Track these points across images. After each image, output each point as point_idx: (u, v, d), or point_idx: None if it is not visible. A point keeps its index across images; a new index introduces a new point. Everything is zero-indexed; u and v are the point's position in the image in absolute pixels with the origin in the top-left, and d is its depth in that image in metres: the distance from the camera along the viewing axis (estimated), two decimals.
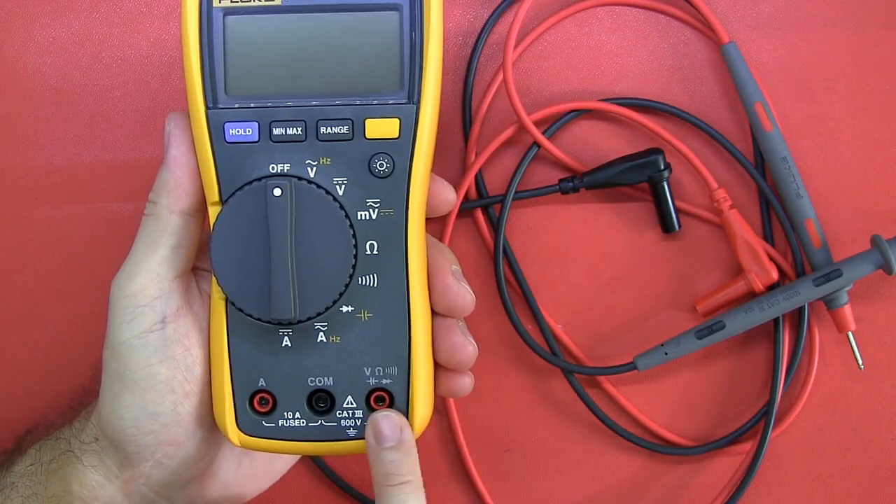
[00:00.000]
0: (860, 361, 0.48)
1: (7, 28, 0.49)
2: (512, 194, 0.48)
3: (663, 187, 0.47)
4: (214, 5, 0.37)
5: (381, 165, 0.37)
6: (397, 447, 0.37)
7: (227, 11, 0.37)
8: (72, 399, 0.44)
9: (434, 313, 0.39)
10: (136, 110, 0.49)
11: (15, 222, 0.49)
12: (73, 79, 0.49)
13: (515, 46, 0.48)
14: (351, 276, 0.37)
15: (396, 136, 0.37)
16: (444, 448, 0.49)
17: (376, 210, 0.37)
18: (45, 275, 0.49)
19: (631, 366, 0.47)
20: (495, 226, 0.48)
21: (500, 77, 0.48)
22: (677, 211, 0.48)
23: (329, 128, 0.37)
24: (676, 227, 0.48)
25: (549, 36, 0.49)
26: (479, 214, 0.49)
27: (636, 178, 0.47)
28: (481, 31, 0.49)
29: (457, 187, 0.48)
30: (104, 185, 0.49)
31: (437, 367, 0.40)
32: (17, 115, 0.49)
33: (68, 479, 0.40)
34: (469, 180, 0.48)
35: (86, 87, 0.49)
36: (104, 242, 0.49)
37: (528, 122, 0.47)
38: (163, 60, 0.49)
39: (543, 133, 0.48)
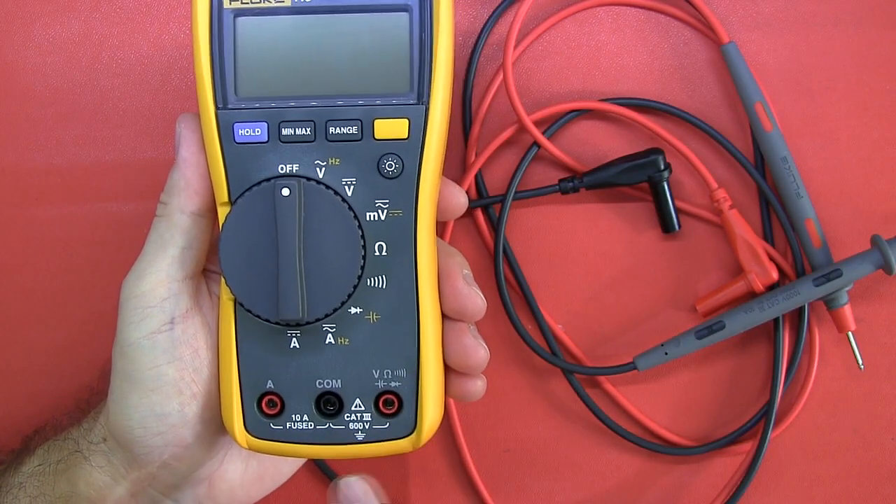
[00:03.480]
0: (860, 361, 0.48)
1: (7, 28, 0.49)
2: (512, 194, 0.48)
3: (663, 187, 0.47)
4: (225, 6, 0.37)
5: (391, 166, 0.37)
6: None
7: (238, 12, 0.37)
8: (79, 399, 0.44)
9: (445, 317, 0.39)
10: (136, 110, 0.49)
11: (15, 222, 0.49)
12: (73, 79, 0.49)
13: (515, 46, 0.48)
14: (359, 278, 0.37)
15: (405, 136, 0.37)
16: (444, 448, 0.49)
17: (385, 211, 0.37)
18: (45, 275, 0.49)
19: (631, 366, 0.47)
20: (495, 226, 0.48)
21: (500, 77, 0.48)
22: (677, 211, 0.48)
23: (338, 128, 0.37)
24: (676, 227, 0.48)
25: (549, 36, 0.49)
26: (479, 214, 0.49)
27: (636, 178, 0.47)
28: (481, 31, 0.49)
29: None
30: (104, 185, 0.49)
31: (449, 370, 0.39)
32: (17, 115, 0.49)
33: (76, 480, 0.40)
34: (469, 180, 0.48)
35: (86, 87, 0.49)
36: (104, 242, 0.49)
37: (528, 122, 0.47)
38: (163, 60, 0.49)
39: (543, 133, 0.48)
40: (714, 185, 0.47)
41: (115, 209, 0.49)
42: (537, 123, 0.48)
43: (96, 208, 0.49)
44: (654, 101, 0.48)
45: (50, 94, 0.49)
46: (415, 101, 0.37)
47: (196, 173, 0.38)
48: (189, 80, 0.49)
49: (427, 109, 0.37)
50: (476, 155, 0.48)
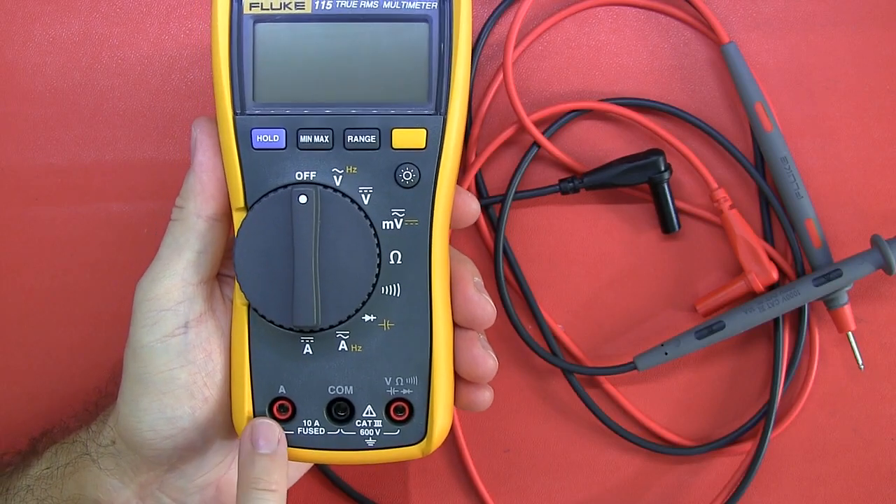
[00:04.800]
0: (860, 361, 0.48)
1: (7, 28, 0.49)
2: (512, 194, 0.48)
3: (664, 188, 0.47)
4: (245, 12, 0.37)
5: (407, 175, 0.37)
6: (272, 455, 0.37)
7: (257, 19, 0.37)
8: (86, 401, 0.44)
9: (455, 325, 0.39)
10: (136, 110, 0.49)
11: (15, 222, 0.49)
12: (73, 79, 0.49)
13: (515, 46, 0.48)
14: (374, 285, 0.37)
15: (423, 146, 0.37)
16: (444, 448, 0.49)
17: (401, 220, 0.37)
18: (45, 275, 0.49)
19: (631, 366, 0.47)
20: (495, 226, 0.48)
21: (500, 77, 0.48)
22: (677, 211, 0.48)
23: (356, 136, 0.37)
24: (676, 227, 0.48)
25: (549, 36, 0.49)
26: (479, 214, 0.49)
27: (636, 179, 0.47)
28: (481, 31, 0.49)
29: None
30: (104, 185, 0.49)
31: (457, 379, 0.40)
32: (17, 115, 0.49)
33: (84, 483, 0.40)
34: (469, 180, 0.48)
35: (86, 87, 0.49)
36: (104, 242, 0.49)
37: (528, 122, 0.47)
38: (163, 60, 0.49)
39: (543, 133, 0.48)
40: (714, 185, 0.47)
41: (115, 209, 0.49)
42: (537, 123, 0.48)
43: (96, 208, 0.49)
44: (654, 101, 0.48)
45: (50, 94, 0.49)
46: (433, 112, 0.37)
47: (212, 178, 0.38)
48: (189, 80, 0.49)
49: (445, 120, 0.37)
50: (476, 155, 0.48)
